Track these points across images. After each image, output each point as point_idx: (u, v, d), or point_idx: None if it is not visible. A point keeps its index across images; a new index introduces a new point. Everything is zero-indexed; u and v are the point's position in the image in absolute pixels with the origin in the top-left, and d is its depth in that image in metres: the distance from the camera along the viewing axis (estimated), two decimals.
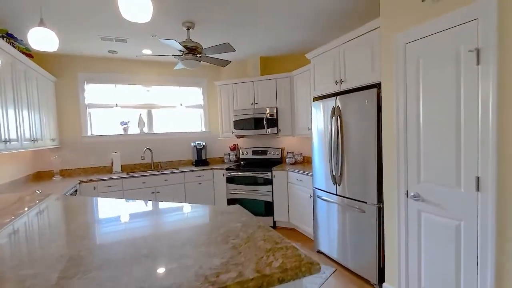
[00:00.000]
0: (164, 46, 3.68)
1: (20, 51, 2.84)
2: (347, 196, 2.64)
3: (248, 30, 3.27)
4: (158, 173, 3.97)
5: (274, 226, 4.00)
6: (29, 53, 3.11)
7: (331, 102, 2.78)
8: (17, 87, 2.66)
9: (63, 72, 3.98)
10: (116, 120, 4.34)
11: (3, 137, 2.32)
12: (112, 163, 4.16)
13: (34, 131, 3.00)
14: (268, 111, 4.19)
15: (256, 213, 4.02)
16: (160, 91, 4.59)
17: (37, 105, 3.19)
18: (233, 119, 4.43)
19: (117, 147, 4.31)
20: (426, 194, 1.92)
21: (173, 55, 2.98)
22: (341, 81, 2.74)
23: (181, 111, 4.74)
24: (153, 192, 3.94)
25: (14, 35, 2.92)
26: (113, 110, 4.28)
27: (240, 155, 4.78)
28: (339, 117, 2.68)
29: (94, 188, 3.63)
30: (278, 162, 4.49)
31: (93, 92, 4.18)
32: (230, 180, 4.17)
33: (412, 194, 2.01)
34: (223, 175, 4.25)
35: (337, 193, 2.75)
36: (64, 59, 3.96)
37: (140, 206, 1.80)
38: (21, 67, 2.78)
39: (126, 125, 4.36)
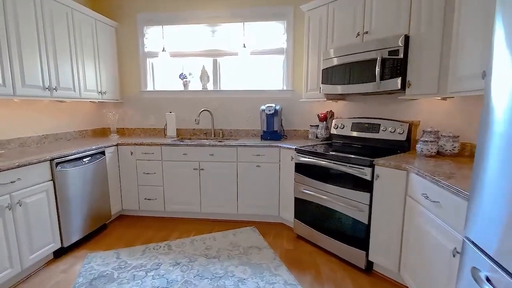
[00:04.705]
0: None
1: None
2: None
3: None
4: (198, 144, 2.85)
5: (368, 269, 2.09)
6: None
7: None
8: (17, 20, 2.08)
9: (122, 15, 3.39)
10: (177, 72, 3.48)
11: None
12: (165, 125, 3.40)
13: (50, 79, 2.47)
14: (386, 46, 2.09)
15: (337, 236, 2.22)
16: (229, 31, 3.29)
17: (69, 50, 2.66)
18: (322, 67, 2.59)
19: (175, 106, 3.49)
20: None
21: None
22: None
23: (255, 60, 3.31)
24: (195, 169, 2.89)
25: None
26: (175, 60, 3.42)
27: (331, 130, 2.91)
28: None
29: (131, 153, 2.95)
30: (400, 147, 2.35)
31: (153, 38, 3.43)
32: (300, 168, 2.50)
33: None
34: (291, 158, 2.62)
35: None
36: None
37: None
38: None
39: (186, 79, 3.44)
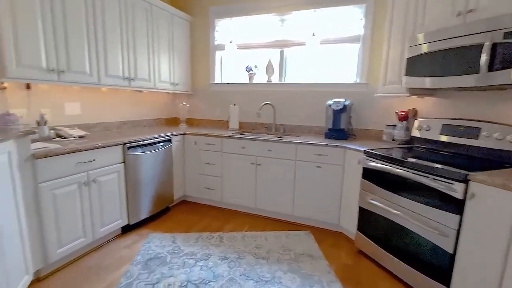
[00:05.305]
0: None
1: None
2: None
3: None
4: (256, 138, 2.74)
5: None
6: None
7: None
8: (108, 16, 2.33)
9: (196, 9, 3.51)
10: (243, 64, 3.44)
11: (46, 66, 2.04)
12: (229, 117, 3.41)
13: (129, 70, 2.70)
14: (500, 27, 1.58)
15: (408, 260, 1.84)
16: (296, 20, 3.07)
17: (146, 43, 2.87)
18: (407, 55, 2.16)
19: (240, 99, 3.47)
20: None
21: None
22: None
23: (324, 50, 3.02)
24: (253, 163, 2.81)
25: None
26: (241, 52, 3.39)
27: (412, 131, 2.43)
28: None
29: (195, 143, 3.06)
30: (509, 160, 1.79)
31: (222, 31, 3.46)
32: (368, 174, 2.15)
33: None
34: (358, 162, 2.28)
35: None
36: None
37: None
38: None
39: (252, 72, 3.37)
